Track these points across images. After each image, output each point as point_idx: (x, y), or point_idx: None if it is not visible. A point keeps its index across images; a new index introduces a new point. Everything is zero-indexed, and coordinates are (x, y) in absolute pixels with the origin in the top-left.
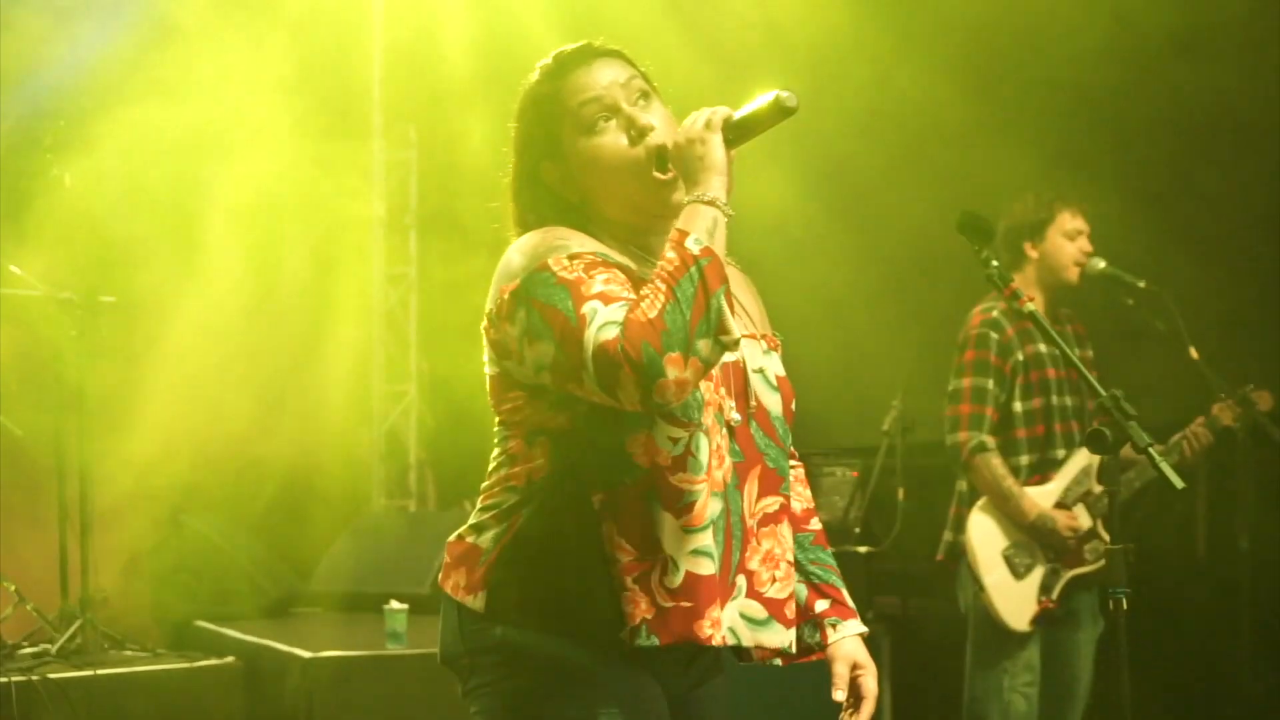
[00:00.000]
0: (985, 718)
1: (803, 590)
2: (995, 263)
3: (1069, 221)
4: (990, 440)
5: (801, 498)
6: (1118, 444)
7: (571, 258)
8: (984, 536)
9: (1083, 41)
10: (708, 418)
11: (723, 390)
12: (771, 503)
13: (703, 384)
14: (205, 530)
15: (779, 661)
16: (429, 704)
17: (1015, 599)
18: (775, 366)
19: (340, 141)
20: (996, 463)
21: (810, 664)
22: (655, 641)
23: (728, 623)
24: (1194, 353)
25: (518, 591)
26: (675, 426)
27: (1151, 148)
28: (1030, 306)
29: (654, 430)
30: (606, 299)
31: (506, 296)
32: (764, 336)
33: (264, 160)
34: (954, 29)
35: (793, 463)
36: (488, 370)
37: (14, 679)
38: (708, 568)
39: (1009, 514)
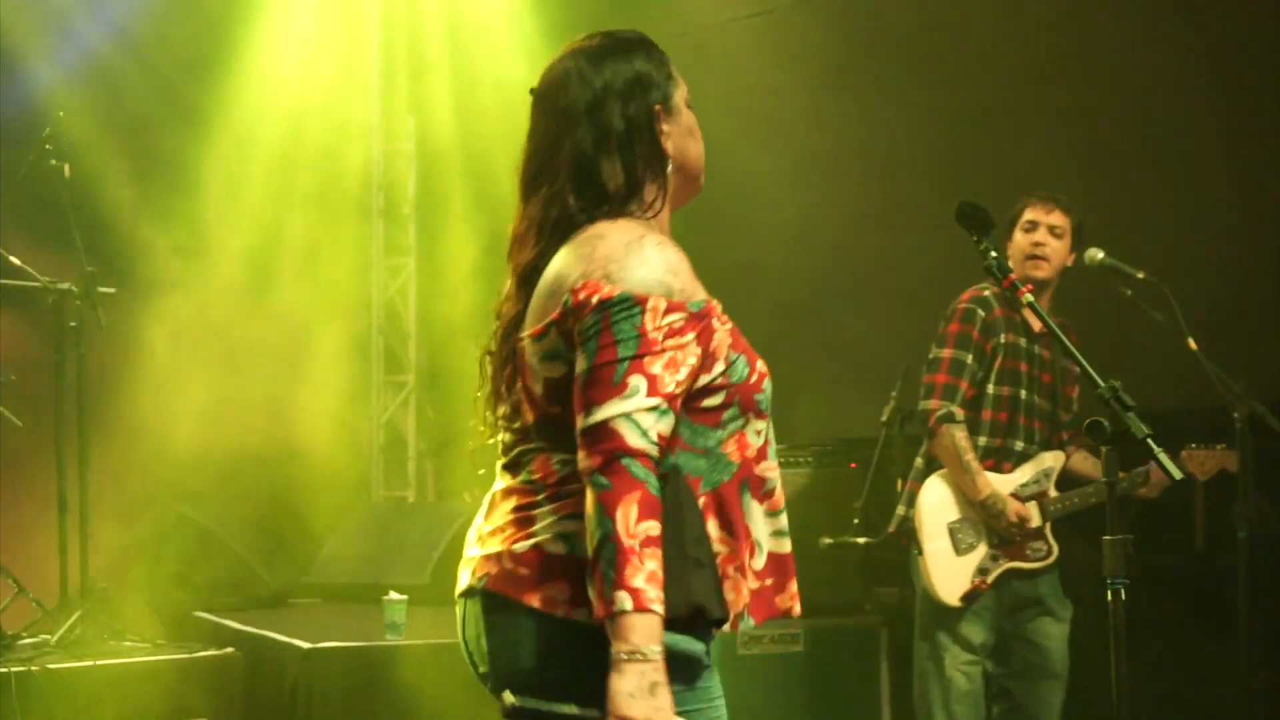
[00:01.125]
0: (928, 694)
1: None
2: (994, 254)
3: (1027, 214)
4: (959, 412)
5: None
6: (1116, 435)
7: (666, 311)
8: (935, 503)
9: (1104, 33)
10: (767, 404)
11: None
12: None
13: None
14: (204, 521)
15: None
16: (428, 694)
17: (950, 572)
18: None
19: (338, 132)
20: (961, 435)
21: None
22: (752, 623)
23: None
24: (1193, 344)
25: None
26: (760, 419)
27: (1154, 138)
28: (1029, 298)
29: (746, 426)
30: (653, 388)
31: (595, 300)
32: None
33: (263, 151)
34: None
35: None
36: (552, 370)
37: (14, 669)
38: (787, 546)
39: (964, 487)
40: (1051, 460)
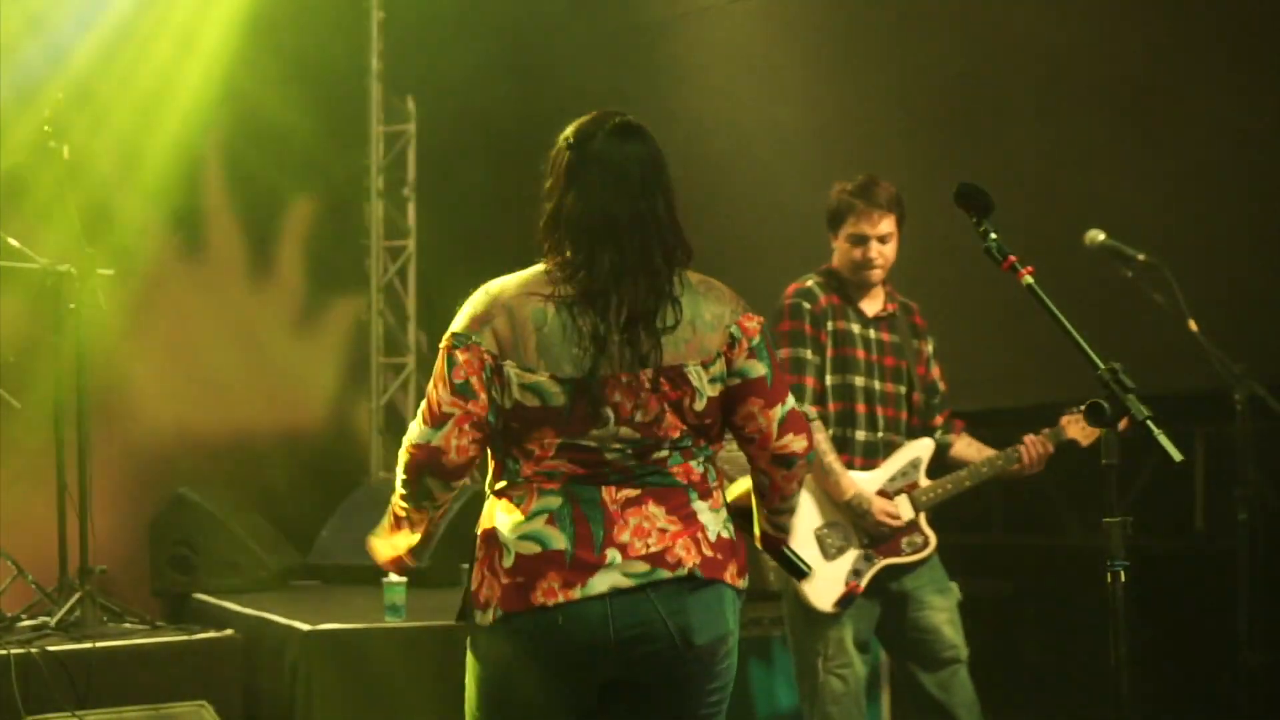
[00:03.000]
0: (808, 697)
1: None
2: (994, 235)
3: (859, 224)
4: (812, 410)
5: None
6: (1116, 417)
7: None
8: (802, 515)
9: (1091, 22)
10: None
11: None
12: None
13: None
14: (204, 503)
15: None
16: (427, 676)
17: (822, 579)
18: None
19: (338, 113)
20: (820, 436)
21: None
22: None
23: None
24: (1193, 325)
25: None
26: None
27: (1152, 119)
28: (1028, 279)
29: None
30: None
31: (754, 326)
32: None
33: (262, 132)
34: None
35: None
36: (715, 390)
37: (13, 651)
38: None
39: (828, 490)
40: (919, 449)
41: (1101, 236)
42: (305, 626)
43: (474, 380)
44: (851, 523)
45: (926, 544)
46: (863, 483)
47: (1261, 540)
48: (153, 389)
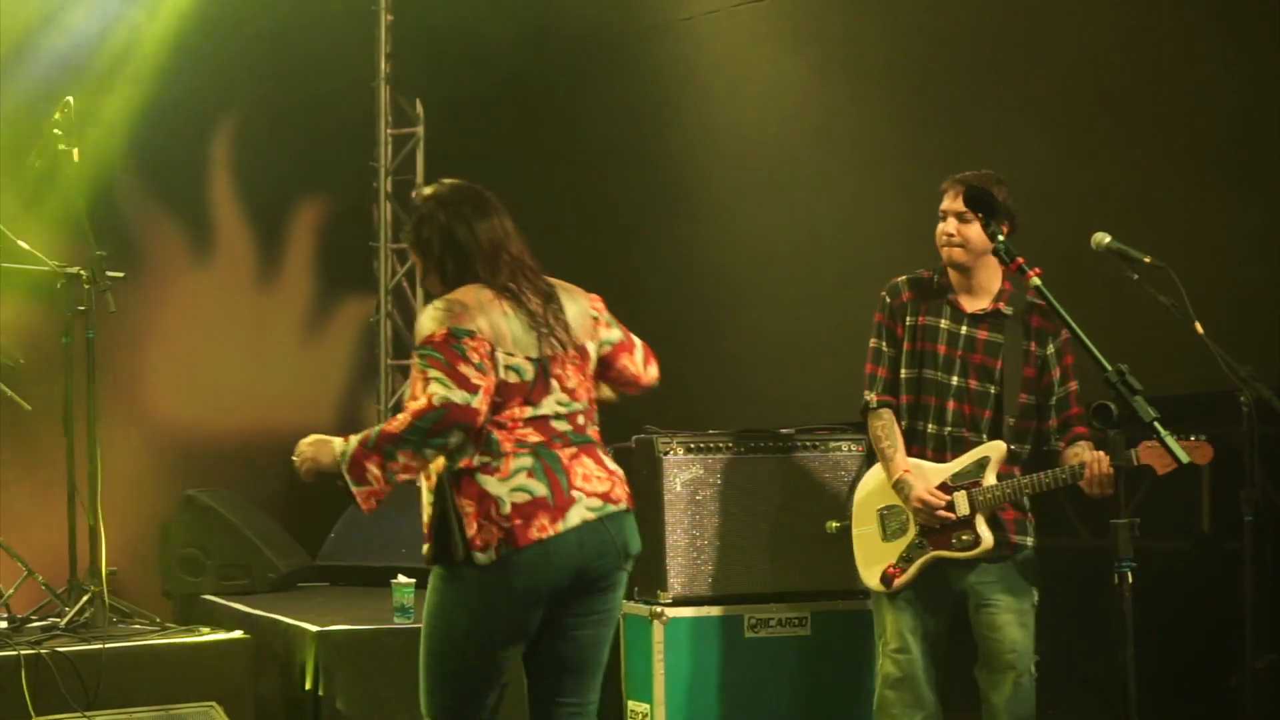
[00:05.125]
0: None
1: None
2: (1001, 236)
3: (942, 202)
4: (875, 399)
5: None
6: (1123, 419)
7: None
8: (870, 491)
9: (1100, 22)
10: None
11: None
12: None
13: None
14: (214, 504)
15: None
16: None
17: (874, 555)
18: None
19: (346, 114)
20: (879, 423)
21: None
22: None
23: None
24: (1199, 327)
25: None
26: None
27: (1161, 119)
28: (1036, 281)
29: None
30: None
31: (601, 303)
32: None
33: (271, 134)
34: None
35: None
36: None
37: (23, 652)
38: None
39: (886, 473)
40: (988, 450)
41: (1108, 239)
42: (315, 628)
43: (485, 362)
44: (912, 509)
45: (977, 543)
46: (928, 473)
47: (1268, 542)
48: (162, 391)
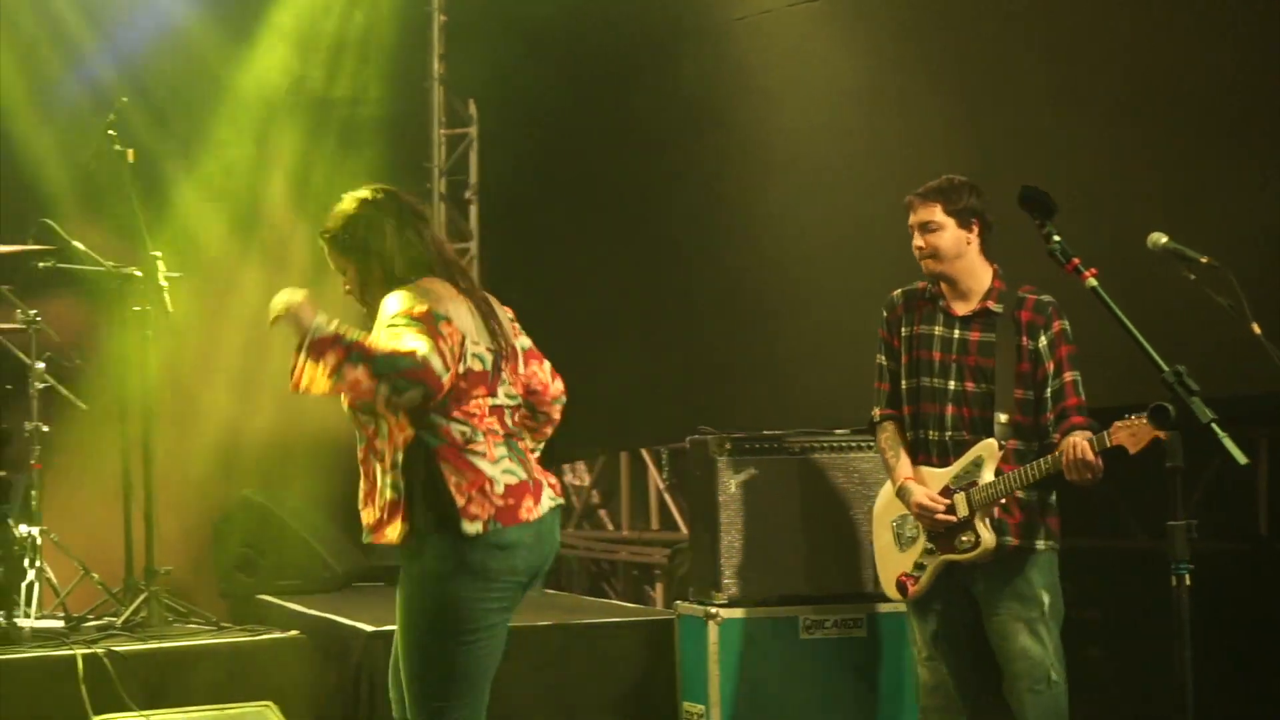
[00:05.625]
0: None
1: None
2: (1057, 238)
3: (908, 219)
4: (878, 414)
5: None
6: (1181, 419)
7: None
8: (885, 503)
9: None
10: None
11: None
12: (358, 453)
13: None
14: (270, 505)
15: None
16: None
17: (891, 565)
18: None
19: (401, 116)
20: (883, 436)
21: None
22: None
23: None
24: (1256, 328)
25: None
26: None
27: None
28: (1092, 282)
29: None
30: None
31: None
32: None
33: (325, 134)
34: None
35: None
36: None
37: (80, 651)
38: None
39: (890, 483)
40: (980, 449)
41: (1164, 239)
42: (369, 627)
43: (456, 349)
44: (915, 516)
45: (976, 544)
46: (929, 479)
47: None
48: (218, 391)
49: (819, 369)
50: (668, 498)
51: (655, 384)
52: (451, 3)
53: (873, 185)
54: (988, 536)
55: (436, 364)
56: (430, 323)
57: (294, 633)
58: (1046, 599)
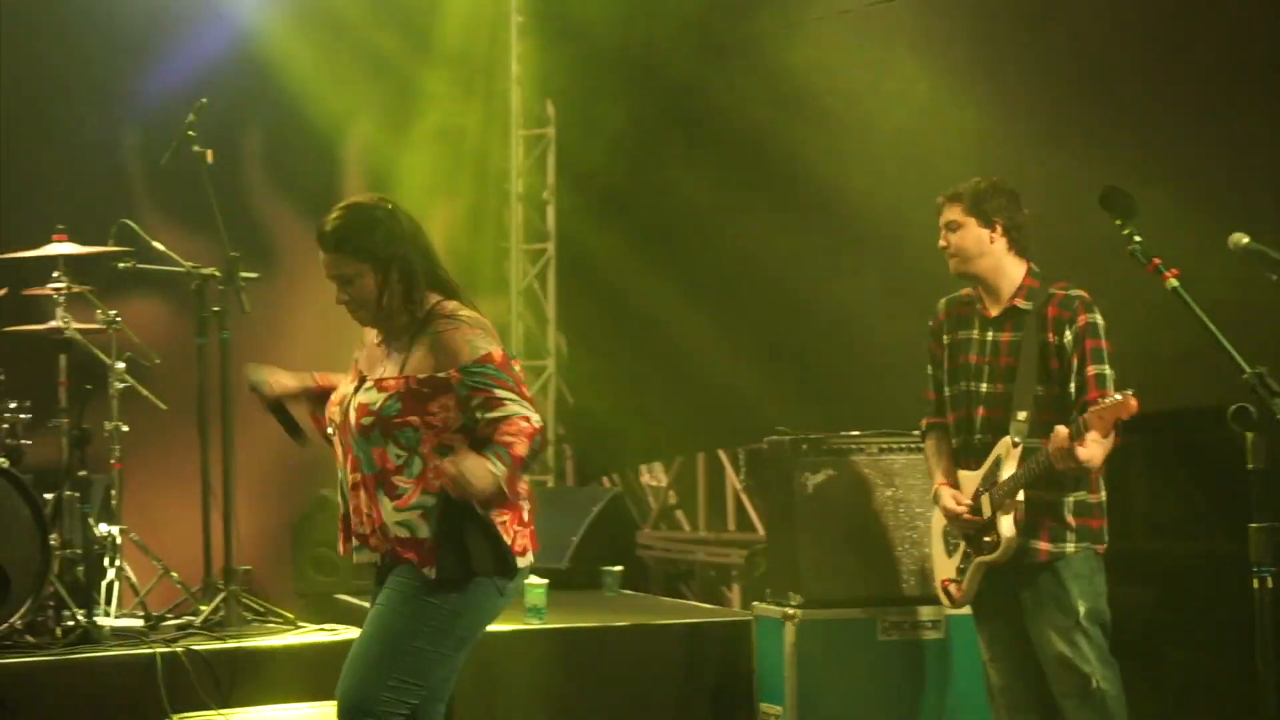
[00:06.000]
0: None
1: None
2: (1138, 239)
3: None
4: (925, 423)
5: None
6: (1263, 421)
7: None
8: (937, 511)
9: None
10: (332, 430)
11: (339, 410)
12: (356, 476)
13: (329, 412)
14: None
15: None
16: (568, 678)
17: (940, 572)
18: (365, 398)
19: (480, 116)
20: (928, 445)
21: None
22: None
23: (351, 545)
24: None
25: None
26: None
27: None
28: (1173, 283)
29: None
30: None
31: None
32: (378, 380)
33: (402, 136)
34: None
35: None
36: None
37: (159, 650)
38: (342, 509)
39: None
40: (999, 448)
41: (1245, 240)
42: None
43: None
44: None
45: (995, 545)
46: (964, 483)
47: None
48: None
49: (896, 370)
50: (745, 499)
51: (733, 385)
52: (529, 4)
53: (946, 185)
54: (1006, 533)
55: (536, 419)
56: (509, 369)
57: None
58: (1083, 606)
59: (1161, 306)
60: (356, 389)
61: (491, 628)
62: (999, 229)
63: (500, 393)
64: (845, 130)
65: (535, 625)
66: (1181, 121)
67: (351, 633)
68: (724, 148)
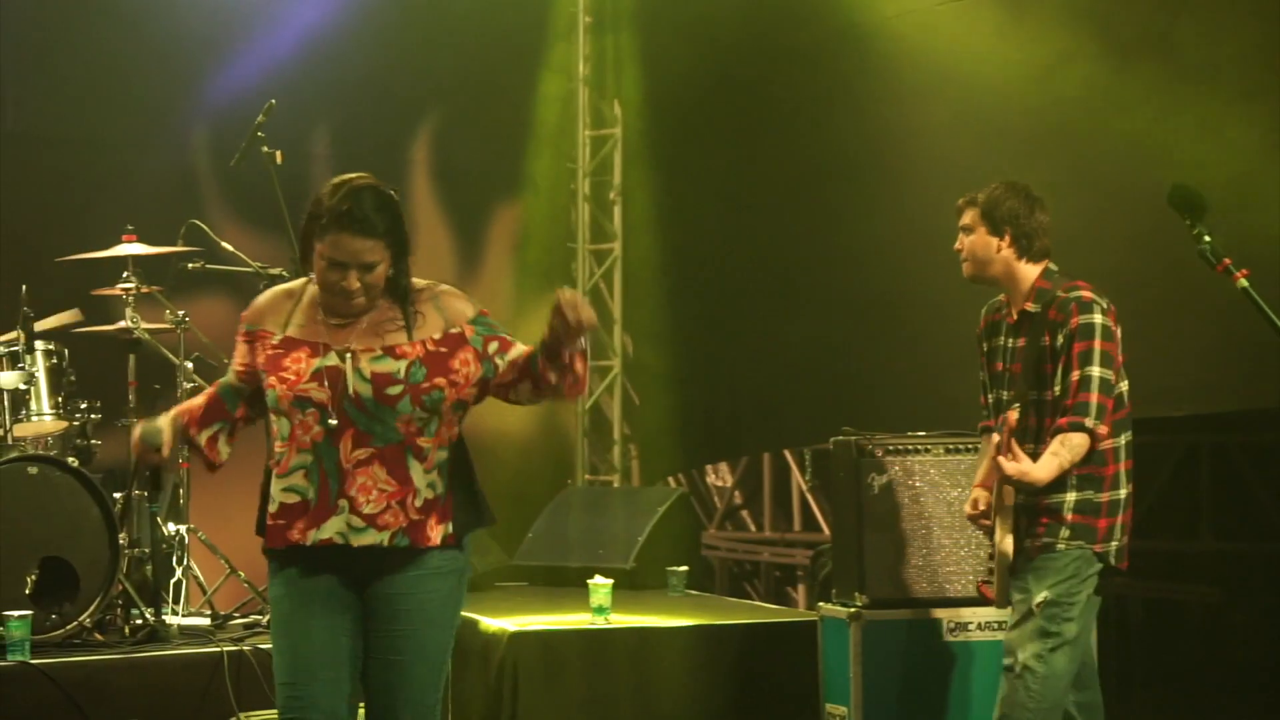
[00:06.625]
0: None
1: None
2: (1208, 238)
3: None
4: (980, 427)
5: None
6: None
7: None
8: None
9: None
10: (285, 405)
11: (316, 384)
12: (363, 452)
13: (281, 385)
14: None
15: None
16: (633, 677)
17: (982, 574)
18: (381, 367)
19: (546, 117)
20: (981, 449)
21: None
22: (275, 547)
23: (332, 531)
24: None
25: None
26: (273, 415)
27: None
28: (1243, 283)
29: (270, 419)
30: None
31: None
32: (390, 348)
33: (470, 137)
34: None
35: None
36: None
37: (226, 649)
38: (293, 498)
39: None
40: (988, 450)
41: None
42: (513, 627)
43: None
44: None
45: (994, 544)
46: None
47: None
48: None
49: (962, 370)
50: (810, 498)
51: (799, 385)
52: (597, 4)
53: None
54: (999, 540)
55: None
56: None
57: None
58: (1047, 594)
59: (1230, 306)
60: (345, 364)
61: (556, 626)
62: (1007, 236)
63: (506, 335)
64: (915, 130)
65: (600, 625)
66: (1261, 116)
67: None
68: (791, 148)
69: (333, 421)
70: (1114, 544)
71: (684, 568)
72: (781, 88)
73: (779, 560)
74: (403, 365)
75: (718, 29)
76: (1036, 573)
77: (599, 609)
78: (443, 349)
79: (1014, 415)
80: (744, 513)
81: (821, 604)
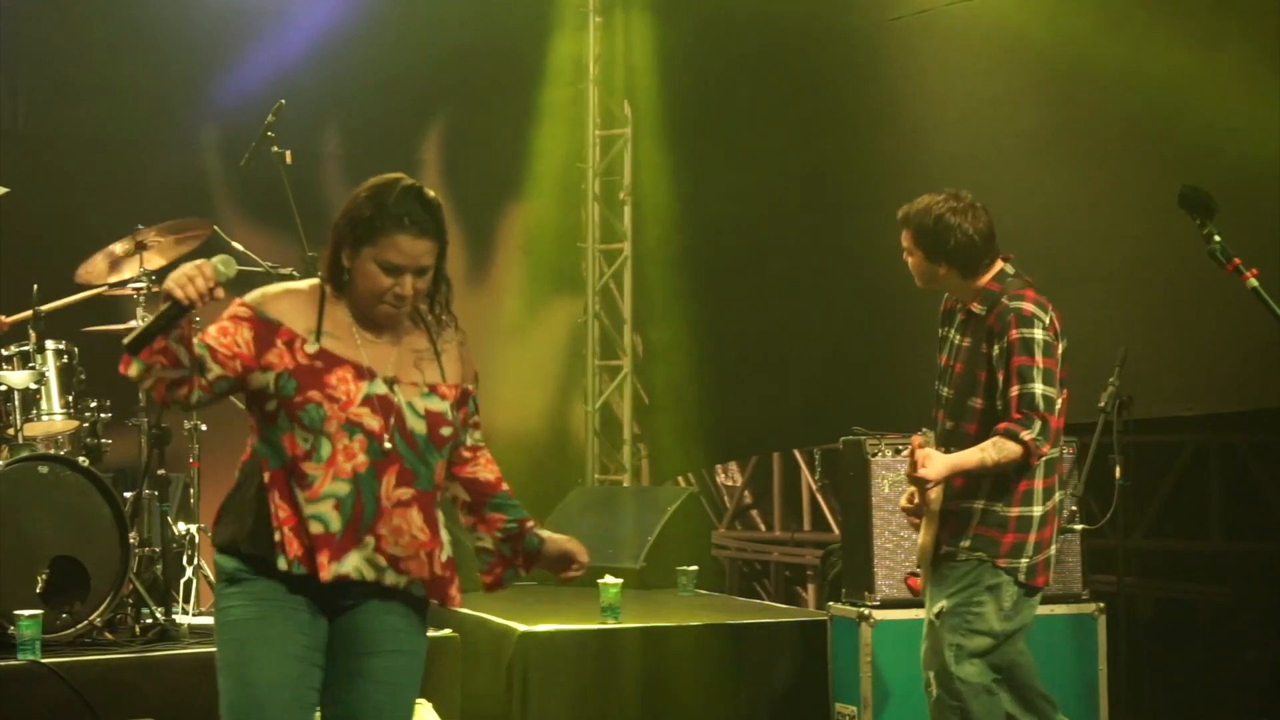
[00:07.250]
0: None
1: (514, 525)
2: (1218, 239)
3: None
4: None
5: (489, 472)
6: None
7: None
8: None
9: None
10: (332, 427)
11: (369, 410)
12: (405, 493)
13: (331, 405)
14: None
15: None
16: (643, 677)
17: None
18: (432, 405)
19: (556, 117)
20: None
21: None
22: (304, 571)
23: (350, 566)
24: None
25: (226, 529)
26: (305, 431)
27: None
28: (1253, 282)
29: (293, 432)
30: None
31: None
32: (433, 386)
33: (480, 137)
34: None
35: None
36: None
37: None
38: (318, 528)
39: None
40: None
41: None
42: (522, 627)
43: None
44: None
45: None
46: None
47: None
48: None
49: None
50: (820, 498)
51: (808, 385)
52: (607, 4)
53: (1031, 187)
54: (922, 532)
55: None
56: None
57: (447, 631)
58: (945, 604)
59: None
60: (397, 396)
61: (566, 627)
62: (943, 265)
63: (478, 419)
64: (927, 131)
65: (610, 624)
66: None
67: (429, 632)
68: (801, 149)
69: (389, 445)
70: (1023, 560)
71: (694, 567)
72: (791, 87)
73: (789, 560)
74: (447, 406)
75: (728, 29)
76: (938, 580)
77: (609, 609)
78: (460, 399)
79: (919, 440)
80: (754, 512)
81: (831, 604)
